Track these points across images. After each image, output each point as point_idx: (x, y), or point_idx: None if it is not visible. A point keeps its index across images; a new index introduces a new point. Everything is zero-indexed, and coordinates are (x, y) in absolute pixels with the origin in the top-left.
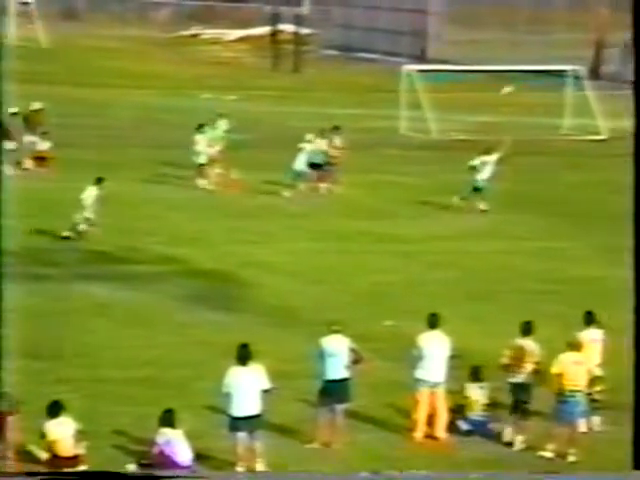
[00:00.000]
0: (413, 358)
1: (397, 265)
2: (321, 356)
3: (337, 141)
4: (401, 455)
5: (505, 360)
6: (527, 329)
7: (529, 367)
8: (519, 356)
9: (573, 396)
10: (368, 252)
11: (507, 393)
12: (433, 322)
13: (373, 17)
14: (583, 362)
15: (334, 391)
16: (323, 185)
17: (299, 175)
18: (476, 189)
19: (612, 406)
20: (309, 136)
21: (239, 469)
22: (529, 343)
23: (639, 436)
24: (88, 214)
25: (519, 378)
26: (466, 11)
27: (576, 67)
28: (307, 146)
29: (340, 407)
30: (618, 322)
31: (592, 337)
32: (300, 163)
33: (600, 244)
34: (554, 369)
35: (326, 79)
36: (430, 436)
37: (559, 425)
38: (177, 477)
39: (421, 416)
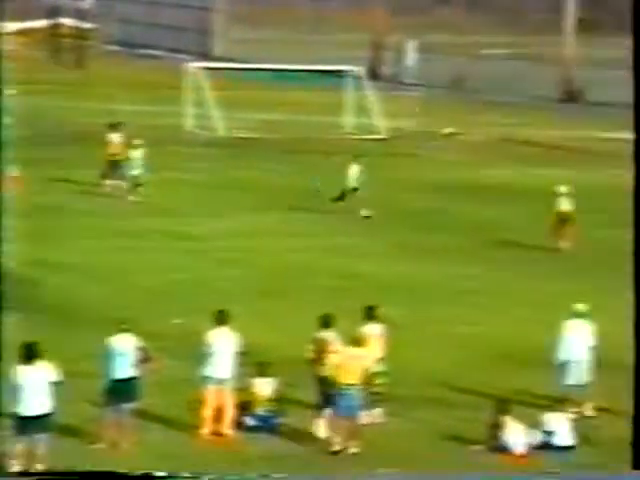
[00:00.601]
0: (201, 355)
1: (186, 263)
2: (108, 355)
3: (118, 138)
4: (189, 453)
5: (309, 354)
6: (326, 322)
7: (332, 360)
8: (322, 349)
9: (349, 389)
10: (157, 250)
11: (313, 387)
12: (221, 319)
13: (155, 13)
14: (361, 356)
15: (121, 390)
16: (110, 182)
17: (136, 178)
18: (349, 192)
19: (393, 399)
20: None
21: (15, 469)
22: (330, 335)
23: (639, 436)
24: None
25: (323, 371)
26: (251, 10)
27: (356, 68)
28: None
29: (127, 406)
30: (403, 316)
31: (373, 332)
32: (135, 166)
33: (392, 241)
34: (332, 363)
35: (110, 75)
36: (217, 433)
37: (339, 418)
38: (177, 477)
39: (208, 413)
